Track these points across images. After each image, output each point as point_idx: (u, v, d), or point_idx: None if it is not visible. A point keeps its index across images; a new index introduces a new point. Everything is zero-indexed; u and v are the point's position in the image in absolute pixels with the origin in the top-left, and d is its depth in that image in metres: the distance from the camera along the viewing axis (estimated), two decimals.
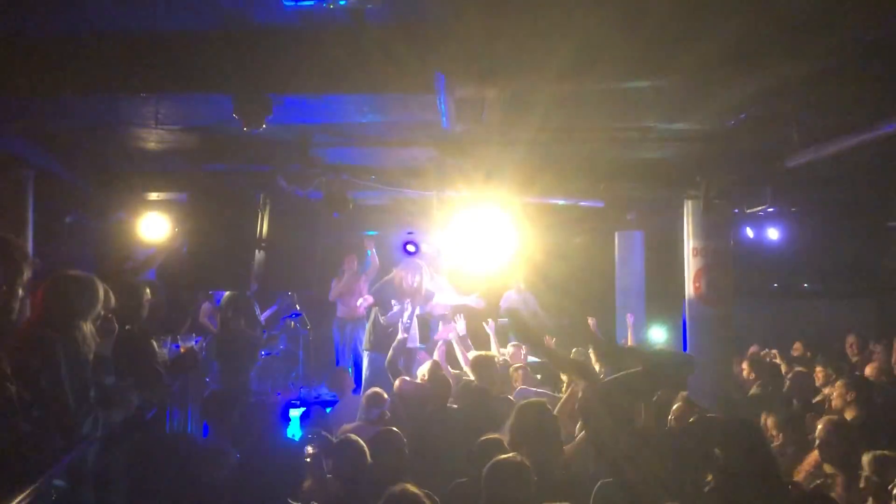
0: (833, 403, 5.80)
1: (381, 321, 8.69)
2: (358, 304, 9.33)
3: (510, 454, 3.95)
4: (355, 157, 7.77)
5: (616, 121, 6.18)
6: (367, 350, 9.01)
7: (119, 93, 5.22)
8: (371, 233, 11.66)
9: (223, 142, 6.81)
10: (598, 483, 3.87)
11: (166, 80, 5.01)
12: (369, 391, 6.69)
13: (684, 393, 5.89)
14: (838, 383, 5.94)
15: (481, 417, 5.53)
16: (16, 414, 3.39)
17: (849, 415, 5.52)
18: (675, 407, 5.69)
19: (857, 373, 7.47)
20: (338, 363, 10.71)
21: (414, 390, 6.42)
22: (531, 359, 8.76)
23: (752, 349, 9.51)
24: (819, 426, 4.88)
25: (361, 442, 4.55)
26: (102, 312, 4.35)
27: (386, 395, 6.50)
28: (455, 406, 6.06)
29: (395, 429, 4.91)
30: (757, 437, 4.13)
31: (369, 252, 10.91)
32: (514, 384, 7.18)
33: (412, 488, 3.37)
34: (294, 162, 7.39)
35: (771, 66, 4.55)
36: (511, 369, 7.57)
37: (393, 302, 8.69)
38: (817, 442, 4.82)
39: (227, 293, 7.86)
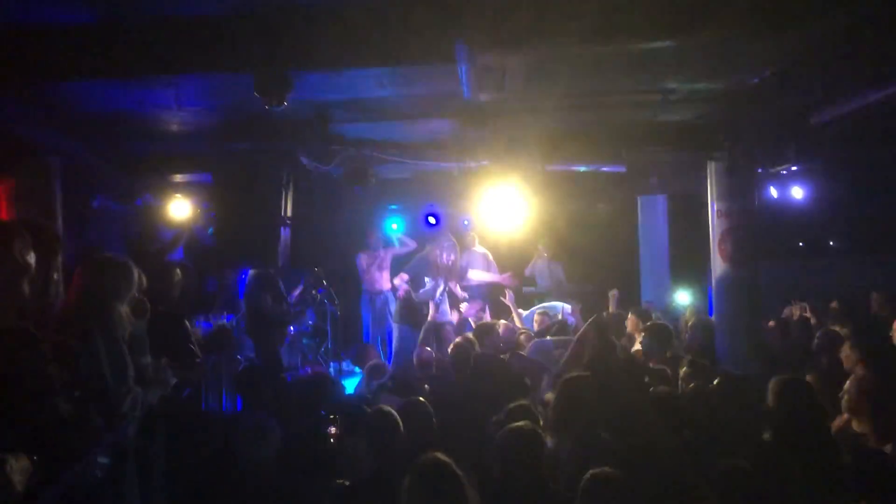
0: (845, 364, 5.78)
1: (413, 297, 8.75)
2: (395, 282, 9.29)
3: (522, 423, 3.98)
4: (376, 132, 7.77)
5: (639, 84, 6.11)
6: (396, 323, 9.10)
7: (140, 76, 5.27)
8: (393, 206, 11.70)
9: (245, 121, 6.84)
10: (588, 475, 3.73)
11: (186, 61, 5.04)
12: (369, 363, 6.97)
13: (689, 357, 5.95)
14: (845, 345, 5.89)
15: (488, 381, 5.70)
16: (57, 395, 3.46)
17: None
18: (682, 371, 5.71)
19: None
20: (366, 337, 10.78)
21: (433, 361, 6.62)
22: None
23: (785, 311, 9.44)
24: (847, 385, 4.86)
25: (395, 413, 4.58)
26: (136, 294, 4.41)
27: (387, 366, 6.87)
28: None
29: (422, 399, 4.94)
30: (811, 393, 4.17)
31: (395, 231, 10.94)
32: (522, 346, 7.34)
33: (442, 456, 3.40)
34: (315, 139, 7.40)
35: (798, 21, 4.48)
36: (520, 335, 7.76)
37: (427, 279, 8.74)
38: (846, 398, 4.80)
39: (252, 271, 7.92)
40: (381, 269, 10.81)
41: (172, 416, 4.71)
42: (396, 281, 9.09)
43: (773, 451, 3.95)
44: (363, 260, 10.86)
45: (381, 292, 10.82)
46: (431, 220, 9.87)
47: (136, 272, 4.34)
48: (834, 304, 9.50)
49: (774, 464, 3.74)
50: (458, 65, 4.68)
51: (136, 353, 4.31)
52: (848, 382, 4.84)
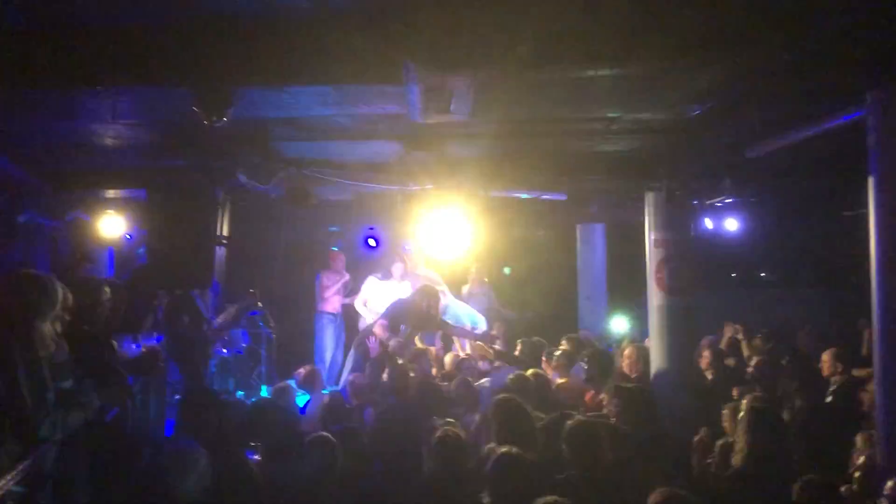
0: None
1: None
2: (377, 331, 8.86)
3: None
4: (317, 152, 7.66)
5: (579, 112, 6.17)
6: (354, 350, 8.99)
7: (75, 87, 5.08)
8: (333, 228, 11.59)
9: (182, 136, 6.66)
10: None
11: (124, 73, 4.88)
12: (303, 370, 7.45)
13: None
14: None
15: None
16: None
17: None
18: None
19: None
20: (319, 360, 10.56)
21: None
22: None
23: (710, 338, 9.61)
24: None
25: (333, 440, 4.49)
26: (61, 313, 4.23)
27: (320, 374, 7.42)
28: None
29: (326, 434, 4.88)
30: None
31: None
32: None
33: None
34: (254, 156, 7.27)
35: (732, 55, 4.57)
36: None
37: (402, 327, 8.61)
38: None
39: (169, 293, 7.66)
40: (339, 292, 10.78)
41: (95, 441, 4.50)
42: (377, 330, 8.72)
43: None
44: (326, 280, 10.75)
45: (337, 315, 10.83)
46: (372, 242, 9.77)
47: (60, 290, 4.16)
48: (758, 337, 9.70)
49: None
50: (406, 85, 4.65)
51: (59, 375, 4.11)
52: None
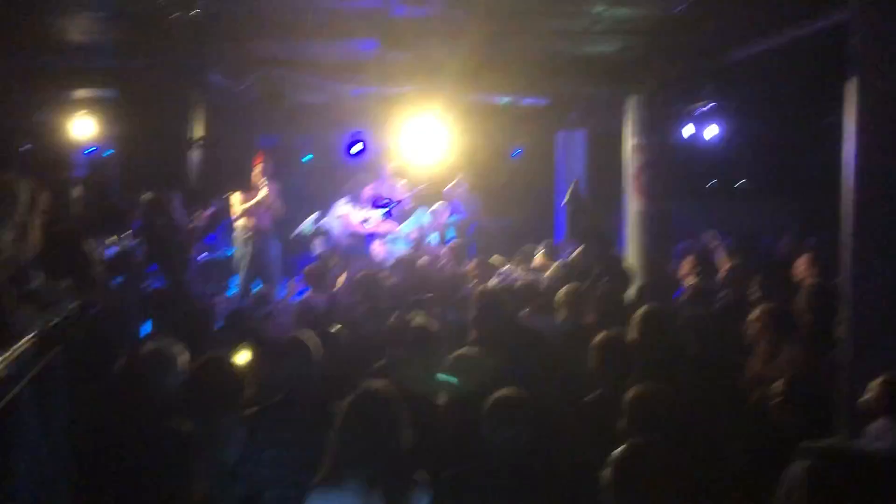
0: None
1: None
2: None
3: None
4: (292, 51, 7.46)
5: (562, 5, 6.01)
6: None
7: None
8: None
9: (153, 34, 6.43)
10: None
11: None
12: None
13: None
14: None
15: None
16: None
17: None
18: None
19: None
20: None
21: None
22: None
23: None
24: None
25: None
26: (26, 218, 4.12)
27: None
28: None
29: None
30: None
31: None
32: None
33: (384, 386, 3.35)
34: (228, 55, 7.07)
35: None
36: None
37: None
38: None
39: (145, 195, 7.52)
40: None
41: (71, 340, 4.50)
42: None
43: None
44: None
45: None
46: (358, 147, 9.49)
47: (23, 193, 4.05)
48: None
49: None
50: None
51: (22, 279, 4.04)
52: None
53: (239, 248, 9.14)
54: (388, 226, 9.71)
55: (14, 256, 4.01)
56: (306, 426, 3.74)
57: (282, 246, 9.53)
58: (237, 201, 8.91)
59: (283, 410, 4.02)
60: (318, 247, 9.59)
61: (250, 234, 9.04)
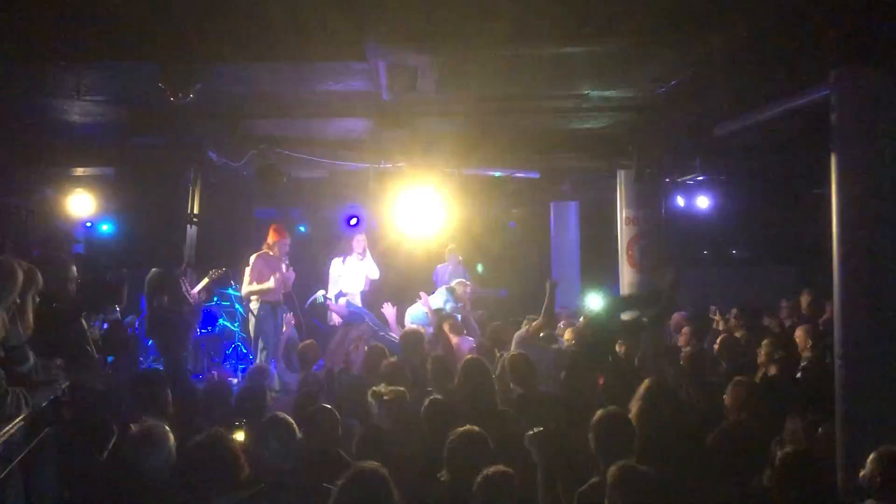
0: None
1: None
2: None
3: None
4: (289, 129, 7.61)
5: (553, 89, 6.19)
6: None
7: (39, 61, 5.00)
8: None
9: (151, 114, 6.58)
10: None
11: (89, 47, 4.82)
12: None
13: None
14: (764, 342, 6.16)
15: None
16: None
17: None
18: None
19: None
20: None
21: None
22: None
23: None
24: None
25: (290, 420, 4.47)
26: (17, 299, 4.15)
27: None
28: None
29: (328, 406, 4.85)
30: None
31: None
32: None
33: (378, 468, 3.34)
34: (225, 134, 7.21)
35: (701, 34, 4.62)
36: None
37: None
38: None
39: (151, 271, 7.56)
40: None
41: (63, 420, 4.47)
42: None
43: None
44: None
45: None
46: (353, 221, 9.66)
47: (20, 274, 4.09)
48: (734, 312, 9.79)
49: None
50: (372, 62, 4.63)
51: (14, 360, 4.05)
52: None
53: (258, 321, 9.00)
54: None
55: (7, 337, 4.04)
56: None
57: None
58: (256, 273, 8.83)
59: (274, 493, 3.97)
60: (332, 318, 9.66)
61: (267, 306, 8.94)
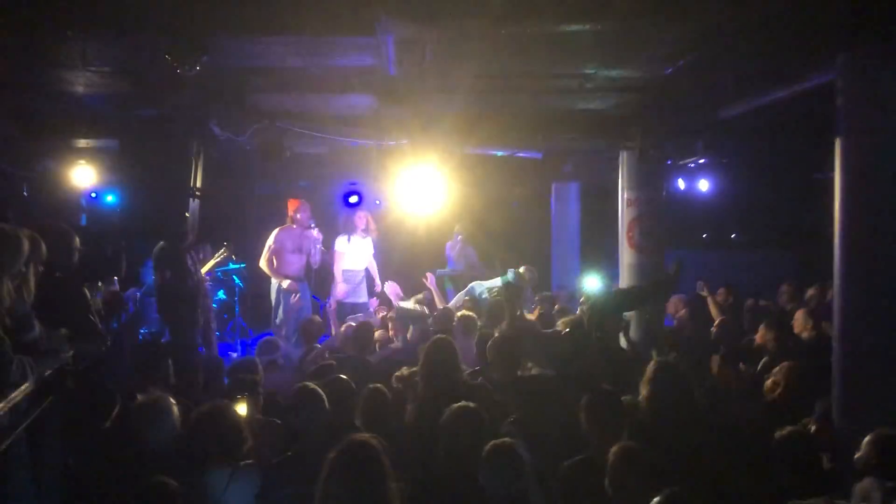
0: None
1: None
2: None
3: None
4: (292, 104, 7.60)
5: (555, 67, 6.17)
6: None
7: (44, 31, 4.99)
8: (302, 183, 11.49)
9: (155, 86, 6.56)
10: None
11: (95, 19, 4.80)
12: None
13: None
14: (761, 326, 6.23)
15: None
16: None
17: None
18: None
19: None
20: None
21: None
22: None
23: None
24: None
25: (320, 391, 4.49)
26: (24, 269, 4.17)
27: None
28: None
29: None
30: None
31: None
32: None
33: (369, 438, 3.37)
34: (228, 108, 7.20)
35: (705, 12, 4.62)
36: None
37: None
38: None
39: (157, 246, 7.56)
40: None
41: (68, 390, 4.51)
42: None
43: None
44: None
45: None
46: (353, 198, 9.67)
47: (27, 242, 4.11)
48: (721, 291, 9.80)
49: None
50: (380, 37, 4.63)
51: (20, 330, 4.07)
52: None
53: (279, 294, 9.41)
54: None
55: (13, 306, 4.07)
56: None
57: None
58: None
59: (293, 464, 4.02)
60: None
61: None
